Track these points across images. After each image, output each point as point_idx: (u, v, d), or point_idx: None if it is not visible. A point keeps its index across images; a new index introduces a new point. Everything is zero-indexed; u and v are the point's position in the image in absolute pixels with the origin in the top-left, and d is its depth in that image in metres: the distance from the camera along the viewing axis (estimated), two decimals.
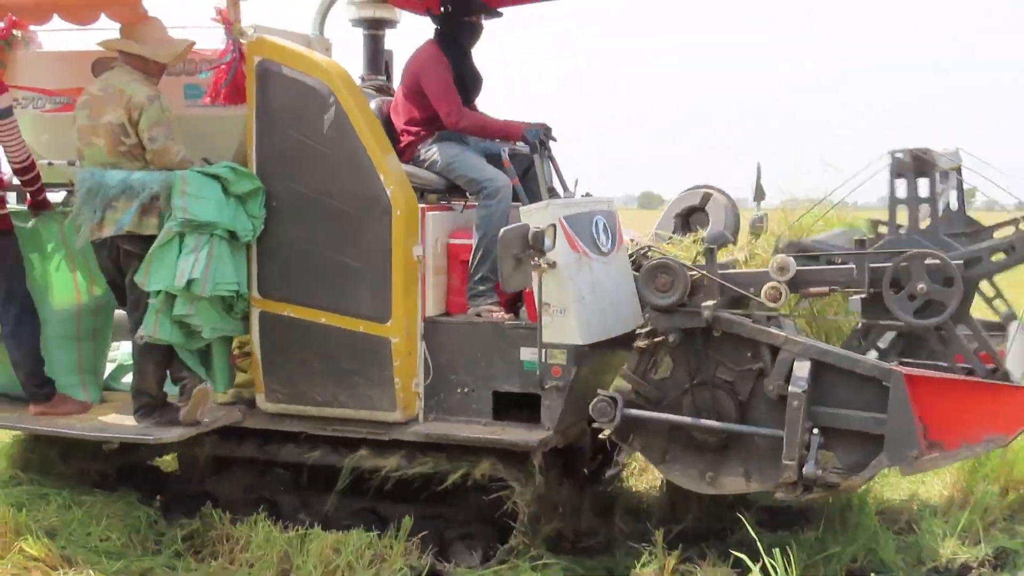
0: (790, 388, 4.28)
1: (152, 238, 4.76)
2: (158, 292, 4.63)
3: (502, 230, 4.45)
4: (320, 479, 5.22)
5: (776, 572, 4.00)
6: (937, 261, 4.43)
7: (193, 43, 5.13)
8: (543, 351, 4.69)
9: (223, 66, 4.98)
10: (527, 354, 4.80)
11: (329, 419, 5.02)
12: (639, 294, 4.70)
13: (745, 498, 5.72)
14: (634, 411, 4.60)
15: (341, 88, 4.89)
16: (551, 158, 5.39)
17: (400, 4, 5.97)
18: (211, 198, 4.70)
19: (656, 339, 4.59)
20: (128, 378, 5.67)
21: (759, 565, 4.05)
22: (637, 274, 5.05)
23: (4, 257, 5.12)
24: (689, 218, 6.09)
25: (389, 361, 4.87)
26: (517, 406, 4.93)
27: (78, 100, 5.00)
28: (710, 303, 4.48)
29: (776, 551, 4.13)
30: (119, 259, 4.88)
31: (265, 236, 4.93)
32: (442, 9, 5.46)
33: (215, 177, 4.74)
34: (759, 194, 5.96)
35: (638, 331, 4.68)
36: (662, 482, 6.20)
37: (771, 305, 4.54)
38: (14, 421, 5.22)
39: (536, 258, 4.47)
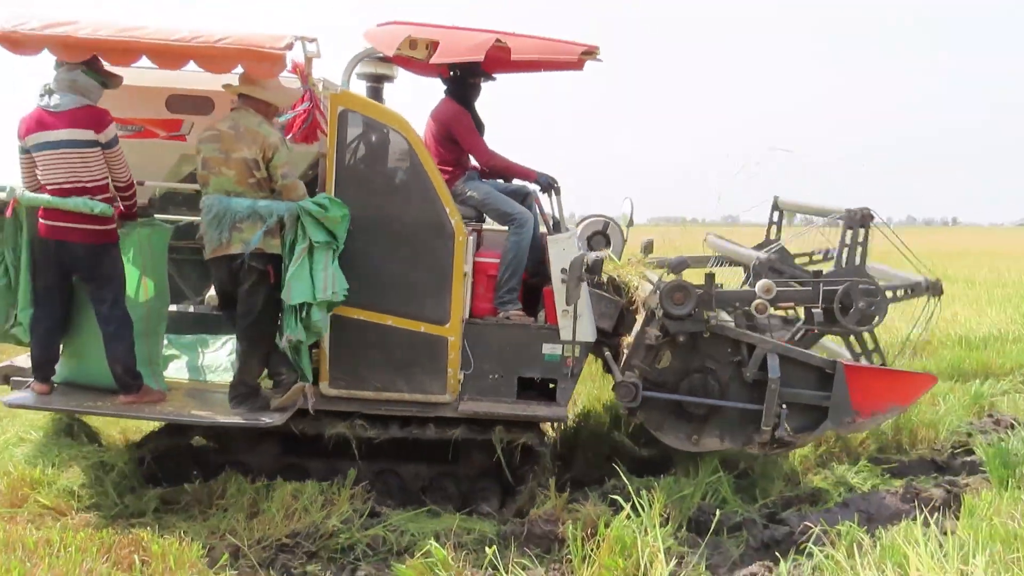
0: (769, 375, 5.70)
1: (271, 256, 5.38)
2: (301, 304, 5.27)
3: (572, 259, 5.59)
4: (346, 448, 5.89)
5: (643, 510, 4.94)
6: (872, 287, 6.11)
7: (300, 89, 5.68)
8: (566, 347, 5.80)
9: (302, 111, 5.64)
10: (548, 348, 5.86)
11: (385, 401, 5.81)
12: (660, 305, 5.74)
13: (619, 451, 6.80)
14: (650, 393, 5.82)
15: (412, 134, 5.66)
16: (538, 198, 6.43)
17: (410, 67, 6.64)
18: (326, 220, 5.36)
19: (665, 339, 5.78)
20: (173, 367, 6.24)
21: (629, 504, 5.00)
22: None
23: (115, 266, 5.51)
24: (592, 240, 7.19)
25: (445, 354, 5.78)
26: (526, 388, 5.98)
27: (204, 133, 5.46)
28: (712, 314, 5.78)
29: (643, 493, 5.19)
30: (239, 272, 5.40)
31: (341, 252, 5.53)
32: (451, 73, 6.34)
33: (319, 205, 5.38)
34: (630, 222, 7.12)
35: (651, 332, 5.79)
36: (554, 439, 7.17)
37: (759, 316, 5.94)
38: (119, 410, 5.58)
39: (589, 278, 5.64)
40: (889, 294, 6.42)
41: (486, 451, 5.92)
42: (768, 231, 7.94)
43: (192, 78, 5.71)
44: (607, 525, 4.91)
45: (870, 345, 6.68)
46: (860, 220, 6.40)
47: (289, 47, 5.19)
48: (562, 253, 5.78)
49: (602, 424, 7.21)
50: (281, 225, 5.36)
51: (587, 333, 5.90)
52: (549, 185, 6.19)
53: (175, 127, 5.81)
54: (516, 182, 6.56)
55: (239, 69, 5.39)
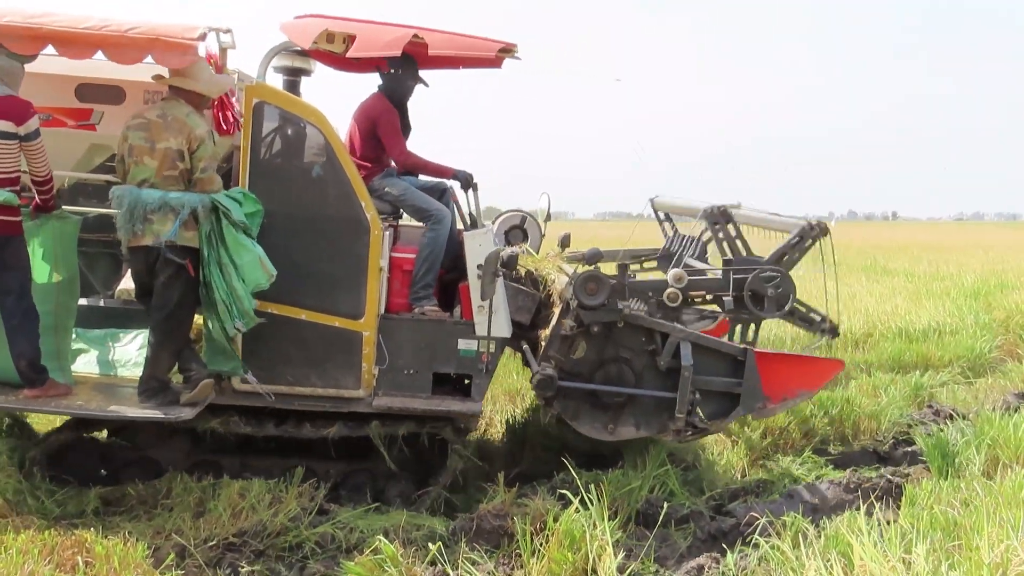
0: (682, 363, 5.74)
1: (188, 249, 5.30)
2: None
3: (488, 253, 5.54)
4: (259, 443, 5.91)
5: (591, 503, 4.91)
6: (777, 275, 6.09)
7: (232, 76, 5.58)
8: (481, 342, 5.80)
9: (217, 103, 5.60)
10: (463, 344, 5.85)
11: (299, 396, 5.76)
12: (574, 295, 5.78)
13: (567, 445, 6.82)
14: (566, 383, 5.85)
15: (328, 127, 5.61)
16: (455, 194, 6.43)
17: (329, 62, 6.65)
18: (240, 212, 5.32)
19: (579, 329, 5.79)
20: (83, 361, 6.10)
21: (578, 498, 4.98)
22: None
23: (18, 258, 5.33)
24: (509, 234, 7.25)
25: (360, 349, 5.73)
26: (440, 383, 5.96)
27: (132, 120, 5.37)
28: (625, 303, 5.78)
29: (591, 487, 5.20)
30: (155, 264, 5.33)
31: None
32: (391, 71, 6.32)
33: (233, 198, 5.34)
34: (547, 217, 7.26)
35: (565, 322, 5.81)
36: (503, 434, 7.24)
37: (671, 304, 5.99)
38: (24, 404, 5.46)
39: (503, 273, 5.62)
40: (789, 317, 6.47)
41: (399, 446, 5.93)
42: (663, 229, 8.06)
43: (103, 67, 5.60)
44: (556, 519, 4.90)
45: (749, 337, 6.72)
46: (719, 216, 6.53)
47: (201, 38, 5.12)
48: (478, 249, 5.79)
49: (550, 419, 7.16)
50: (195, 217, 5.30)
51: (502, 329, 5.92)
52: (467, 182, 6.21)
53: (84, 116, 5.72)
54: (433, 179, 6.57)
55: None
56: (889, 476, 6.21)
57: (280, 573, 4.79)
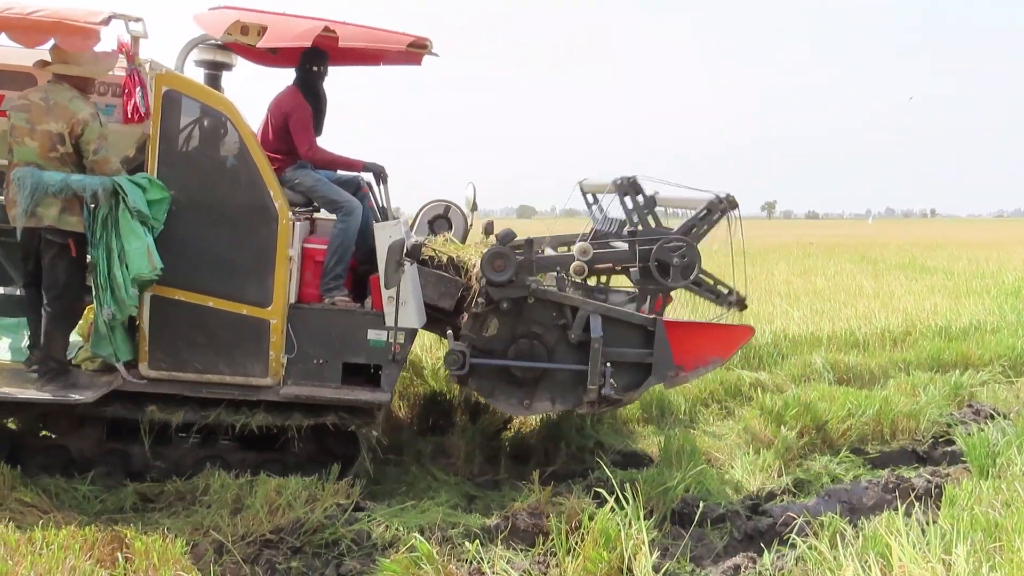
0: (592, 335, 5.77)
1: (70, 231, 5.31)
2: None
3: (392, 241, 5.54)
4: (168, 432, 5.90)
5: (627, 502, 4.86)
6: (683, 244, 6.11)
7: (118, 54, 5.59)
8: (391, 333, 5.80)
9: (127, 92, 5.58)
10: (373, 334, 5.87)
11: (206, 383, 5.76)
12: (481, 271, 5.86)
13: (602, 444, 6.84)
14: (478, 360, 5.87)
15: (238, 116, 5.64)
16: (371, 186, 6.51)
17: (251, 57, 6.72)
18: (142, 199, 5.33)
19: (490, 306, 5.82)
20: None
21: (613, 497, 4.94)
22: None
23: None
24: (434, 223, 7.29)
25: (267, 337, 5.76)
26: (352, 373, 5.96)
27: (16, 101, 5.41)
28: (533, 279, 5.83)
29: (627, 486, 5.18)
30: (39, 246, 5.40)
31: (160, 232, 5.53)
32: (307, 67, 6.41)
33: (137, 184, 5.36)
34: (474, 207, 7.28)
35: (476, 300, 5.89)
36: (538, 433, 7.22)
37: (577, 278, 6.08)
38: None
39: (408, 263, 5.59)
40: (695, 288, 6.51)
41: (312, 436, 5.98)
42: (591, 212, 8.06)
43: (14, 54, 5.64)
44: (591, 518, 4.87)
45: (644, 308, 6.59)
46: (629, 187, 6.52)
47: (105, 22, 5.13)
48: (388, 240, 5.76)
49: (584, 417, 7.18)
50: (95, 200, 5.30)
51: (412, 320, 5.91)
52: (379, 174, 6.29)
53: None
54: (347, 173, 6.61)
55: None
56: (928, 476, 6.17)
57: (317, 570, 4.79)
